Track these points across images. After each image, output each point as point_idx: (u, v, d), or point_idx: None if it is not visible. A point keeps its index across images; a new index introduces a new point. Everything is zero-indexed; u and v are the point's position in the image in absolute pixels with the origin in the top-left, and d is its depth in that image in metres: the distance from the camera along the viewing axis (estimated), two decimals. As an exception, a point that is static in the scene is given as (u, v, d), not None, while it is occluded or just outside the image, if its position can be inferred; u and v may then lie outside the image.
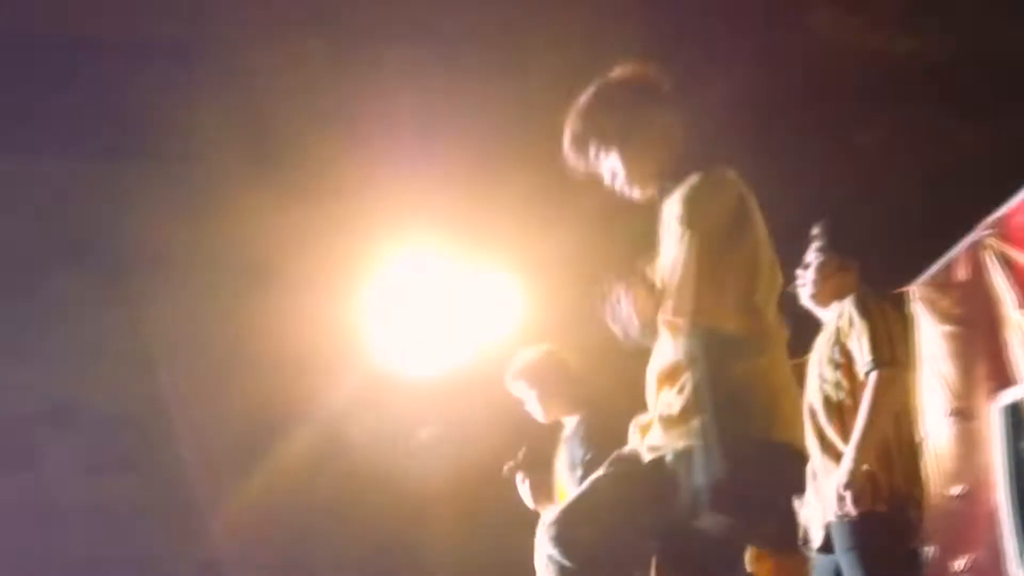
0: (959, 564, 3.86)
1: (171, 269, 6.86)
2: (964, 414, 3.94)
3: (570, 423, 3.43)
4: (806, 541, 2.72)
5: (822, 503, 2.61)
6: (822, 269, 2.87)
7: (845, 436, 2.61)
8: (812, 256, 2.86)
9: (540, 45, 8.35)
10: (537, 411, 3.48)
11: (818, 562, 2.66)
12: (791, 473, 1.88)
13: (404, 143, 8.27)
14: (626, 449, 1.96)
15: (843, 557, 2.51)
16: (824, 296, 2.85)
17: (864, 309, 2.69)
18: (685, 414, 1.79)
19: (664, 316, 1.85)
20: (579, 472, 3.27)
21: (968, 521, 3.90)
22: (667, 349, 1.90)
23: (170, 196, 6.75)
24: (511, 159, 8.07)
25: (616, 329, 1.91)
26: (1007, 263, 4.19)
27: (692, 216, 1.88)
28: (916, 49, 8.82)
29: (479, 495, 7.27)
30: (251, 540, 6.68)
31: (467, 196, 8.04)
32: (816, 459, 2.65)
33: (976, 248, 4.40)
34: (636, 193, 2.10)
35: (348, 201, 7.79)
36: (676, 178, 2.01)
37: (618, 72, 2.13)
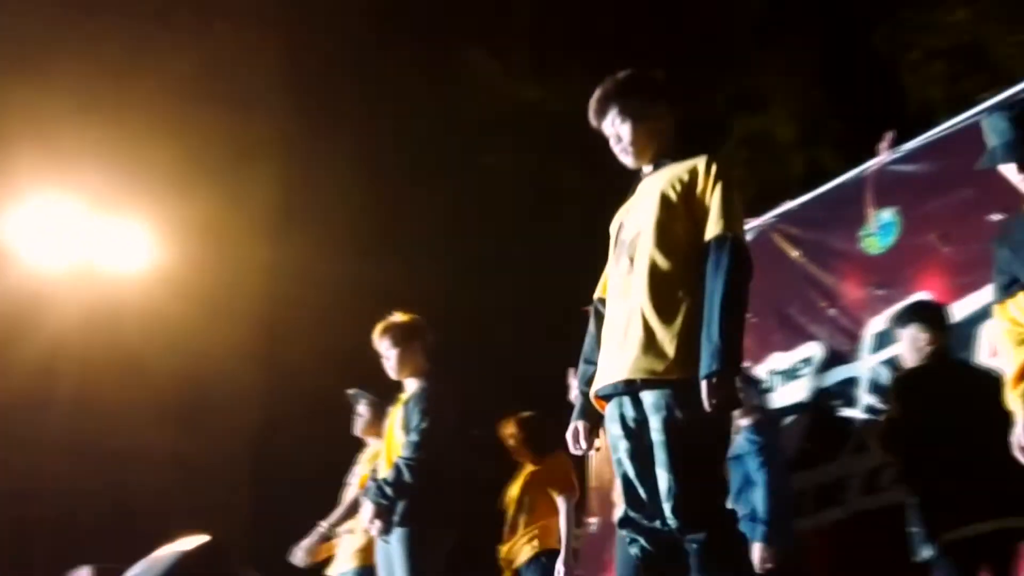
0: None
1: None
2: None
3: (411, 387, 3.71)
4: None
5: None
6: None
7: None
8: None
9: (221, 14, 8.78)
10: (392, 368, 3.73)
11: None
12: None
13: (74, 78, 8.37)
14: None
15: None
16: None
17: None
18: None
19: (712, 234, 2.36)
20: (413, 437, 3.53)
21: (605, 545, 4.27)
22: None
23: None
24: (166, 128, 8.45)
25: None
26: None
27: (722, 168, 2.44)
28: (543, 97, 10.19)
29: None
30: None
31: (127, 145, 8.32)
32: None
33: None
34: (629, 160, 2.53)
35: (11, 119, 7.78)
36: (669, 157, 2.50)
37: (645, 69, 2.61)
